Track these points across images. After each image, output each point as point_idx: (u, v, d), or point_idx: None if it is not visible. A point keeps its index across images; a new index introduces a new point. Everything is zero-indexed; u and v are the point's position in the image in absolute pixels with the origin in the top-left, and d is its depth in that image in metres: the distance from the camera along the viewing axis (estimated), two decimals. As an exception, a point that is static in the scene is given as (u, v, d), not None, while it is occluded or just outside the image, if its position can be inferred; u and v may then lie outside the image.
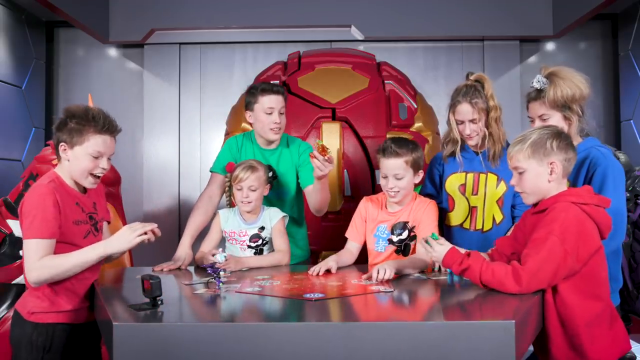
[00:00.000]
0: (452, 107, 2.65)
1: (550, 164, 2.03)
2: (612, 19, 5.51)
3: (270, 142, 2.94)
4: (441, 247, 2.09)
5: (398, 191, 2.55)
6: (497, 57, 5.52)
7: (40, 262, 2.08)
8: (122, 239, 2.15)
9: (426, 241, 2.14)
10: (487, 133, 2.62)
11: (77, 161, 2.20)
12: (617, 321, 2.04)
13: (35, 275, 2.10)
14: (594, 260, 1.96)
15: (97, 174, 2.24)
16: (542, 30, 5.29)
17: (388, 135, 3.52)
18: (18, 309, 2.24)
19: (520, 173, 2.08)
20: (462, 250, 2.11)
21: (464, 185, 2.68)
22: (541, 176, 2.04)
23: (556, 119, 2.38)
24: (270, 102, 2.86)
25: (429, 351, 1.59)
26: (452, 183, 2.71)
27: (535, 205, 2.11)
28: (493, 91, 2.63)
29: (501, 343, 1.59)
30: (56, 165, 2.29)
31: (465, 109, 2.60)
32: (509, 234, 2.50)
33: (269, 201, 2.89)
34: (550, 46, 5.68)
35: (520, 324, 1.63)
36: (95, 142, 2.19)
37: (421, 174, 2.60)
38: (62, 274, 2.12)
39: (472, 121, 2.60)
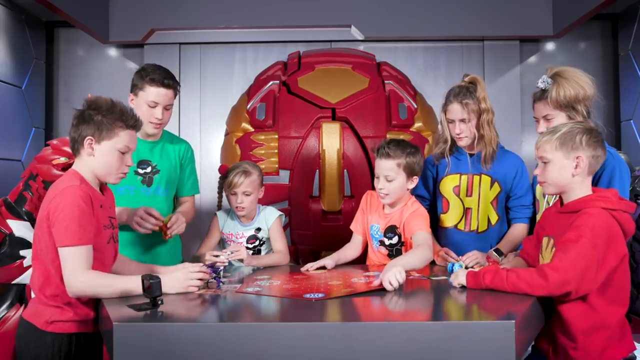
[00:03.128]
0: (444, 106, 2.69)
1: (577, 158, 2.02)
2: (612, 19, 5.51)
3: (148, 135, 2.69)
4: (461, 277, 2.06)
5: (387, 193, 2.53)
6: (497, 57, 5.51)
7: (85, 275, 1.93)
8: (176, 282, 2.01)
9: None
10: (477, 135, 2.64)
11: (104, 157, 2.05)
12: (626, 325, 2.06)
13: (79, 288, 1.94)
14: (621, 268, 1.96)
15: (124, 172, 2.11)
16: (542, 30, 5.29)
17: (388, 136, 3.52)
18: (30, 320, 2.04)
19: (545, 163, 2.07)
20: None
21: (458, 187, 2.70)
22: (565, 169, 2.03)
23: (560, 120, 2.36)
24: (157, 96, 2.57)
25: (429, 351, 1.59)
26: (447, 184, 2.72)
27: (561, 205, 2.10)
28: (486, 94, 2.64)
29: (501, 343, 1.59)
30: (57, 165, 2.22)
31: (455, 108, 2.63)
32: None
33: (149, 199, 2.65)
34: (550, 46, 5.68)
35: (520, 324, 1.63)
36: (124, 138, 2.07)
37: (415, 180, 2.57)
38: (103, 295, 1.96)
39: (462, 121, 2.62)
